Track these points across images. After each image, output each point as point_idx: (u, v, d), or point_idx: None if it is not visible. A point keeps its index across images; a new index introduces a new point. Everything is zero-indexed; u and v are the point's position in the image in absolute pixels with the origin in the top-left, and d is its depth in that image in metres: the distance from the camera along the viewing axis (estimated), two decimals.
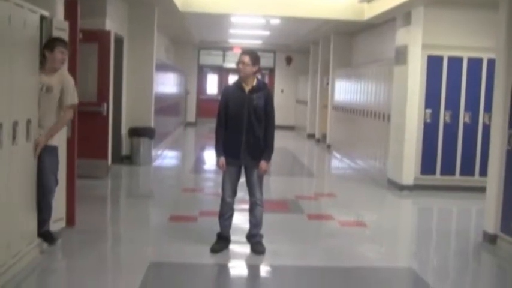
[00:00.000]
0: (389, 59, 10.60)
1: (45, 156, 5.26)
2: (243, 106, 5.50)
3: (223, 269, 5.47)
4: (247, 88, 5.55)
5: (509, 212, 6.13)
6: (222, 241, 5.71)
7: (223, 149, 5.58)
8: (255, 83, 5.58)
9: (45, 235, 5.39)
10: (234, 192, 5.65)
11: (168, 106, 14.61)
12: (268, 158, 5.60)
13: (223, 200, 5.64)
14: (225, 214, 5.66)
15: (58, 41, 5.33)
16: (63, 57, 5.31)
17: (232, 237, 5.78)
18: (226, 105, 5.59)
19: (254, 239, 5.72)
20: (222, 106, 5.62)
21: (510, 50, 6.29)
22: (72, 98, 5.42)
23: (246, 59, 5.52)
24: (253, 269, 5.47)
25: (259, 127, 5.53)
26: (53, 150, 5.38)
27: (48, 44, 5.31)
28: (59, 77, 5.33)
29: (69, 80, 5.45)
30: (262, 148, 5.56)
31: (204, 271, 5.31)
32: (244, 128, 5.50)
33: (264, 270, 5.46)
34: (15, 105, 4.67)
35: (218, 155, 5.62)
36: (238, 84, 5.61)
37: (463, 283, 5.52)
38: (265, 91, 5.62)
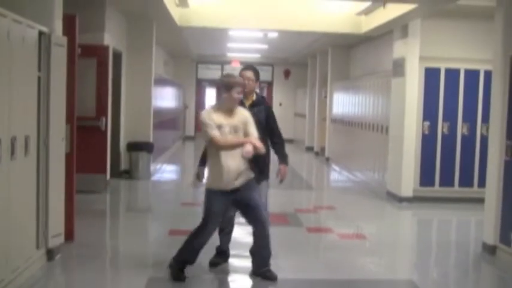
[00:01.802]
0: (387, 72, 10.64)
1: (250, 192, 5.16)
2: None
3: (222, 283, 5.45)
4: (247, 103, 5.56)
5: (508, 222, 6.12)
6: (221, 255, 5.70)
7: None
8: (254, 97, 5.60)
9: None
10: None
11: (166, 120, 14.63)
12: (286, 163, 5.64)
13: None
14: (225, 228, 5.65)
15: (236, 82, 5.13)
16: (239, 97, 5.13)
17: (232, 251, 5.76)
18: None
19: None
20: None
21: (506, 61, 6.31)
22: (255, 129, 5.14)
23: (251, 74, 5.54)
24: (253, 283, 5.45)
25: (262, 140, 5.54)
26: (253, 183, 5.25)
27: (226, 84, 5.09)
28: (240, 115, 5.12)
29: (248, 114, 5.19)
30: (266, 162, 5.54)
31: (203, 285, 5.29)
32: None
33: (263, 284, 5.43)
34: (14, 121, 4.67)
35: (199, 165, 5.61)
36: None
37: None
38: (265, 104, 5.65)
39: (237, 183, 5.07)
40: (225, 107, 5.12)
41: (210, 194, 5.14)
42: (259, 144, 4.93)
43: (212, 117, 5.03)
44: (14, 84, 4.66)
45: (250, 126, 5.10)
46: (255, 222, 5.19)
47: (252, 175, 5.18)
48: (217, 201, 5.08)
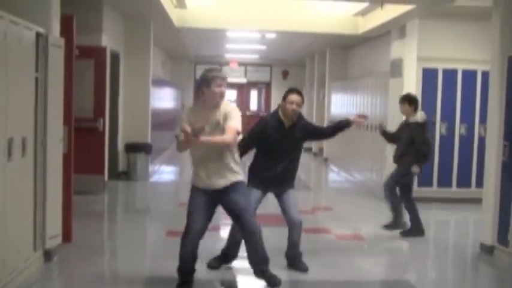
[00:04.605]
0: (385, 72, 10.64)
1: (236, 196, 4.90)
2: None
3: (220, 284, 5.45)
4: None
5: (506, 223, 6.12)
6: (222, 257, 5.66)
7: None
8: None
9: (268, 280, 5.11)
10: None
11: (164, 121, 14.62)
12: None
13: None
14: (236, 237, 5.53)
15: (214, 75, 4.82)
16: (221, 90, 4.80)
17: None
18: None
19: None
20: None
21: (504, 61, 6.32)
22: (237, 123, 4.80)
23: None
24: (251, 284, 5.44)
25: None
26: (241, 187, 4.98)
27: (204, 80, 4.82)
28: (221, 109, 4.83)
29: (234, 109, 4.91)
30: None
31: (201, 286, 5.29)
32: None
33: (261, 285, 5.43)
34: (11, 122, 4.67)
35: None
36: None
37: None
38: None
39: (217, 183, 4.91)
40: (209, 103, 4.83)
41: (191, 190, 5.05)
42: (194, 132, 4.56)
43: (190, 117, 4.85)
44: (11, 86, 4.65)
45: (230, 120, 4.78)
46: (242, 229, 5.00)
47: (240, 178, 4.95)
48: (196, 198, 4.95)
